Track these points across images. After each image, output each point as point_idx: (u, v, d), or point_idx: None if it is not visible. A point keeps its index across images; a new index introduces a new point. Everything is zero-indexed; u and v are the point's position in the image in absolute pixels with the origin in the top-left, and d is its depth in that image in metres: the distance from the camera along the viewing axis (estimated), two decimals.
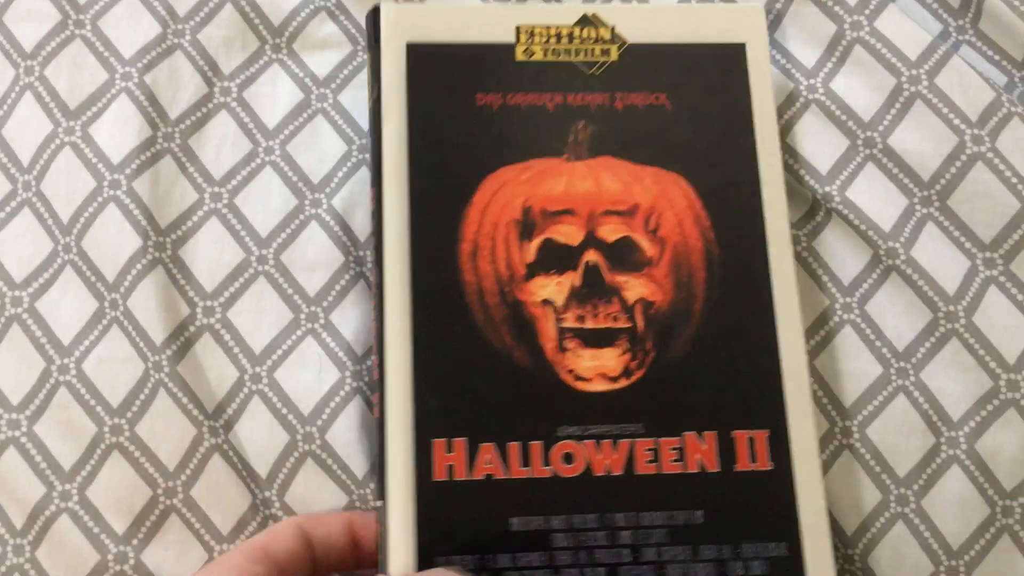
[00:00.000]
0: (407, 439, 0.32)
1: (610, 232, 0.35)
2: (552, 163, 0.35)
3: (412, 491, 0.32)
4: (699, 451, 0.33)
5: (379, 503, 0.32)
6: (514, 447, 0.33)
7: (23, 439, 0.37)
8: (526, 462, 0.32)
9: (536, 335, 0.34)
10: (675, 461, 0.33)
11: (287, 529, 0.33)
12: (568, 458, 0.33)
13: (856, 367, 0.37)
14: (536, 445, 0.33)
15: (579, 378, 0.33)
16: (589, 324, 0.34)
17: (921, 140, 0.38)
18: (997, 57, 0.39)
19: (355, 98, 0.40)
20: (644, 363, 0.34)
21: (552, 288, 0.34)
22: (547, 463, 0.33)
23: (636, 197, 0.35)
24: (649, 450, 0.33)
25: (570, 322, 0.34)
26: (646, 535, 0.32)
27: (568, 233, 0.35)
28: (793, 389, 0.34)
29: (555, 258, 0.34)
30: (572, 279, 0.34)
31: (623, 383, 0.34)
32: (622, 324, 0.34)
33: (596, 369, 0.34)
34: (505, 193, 0.35)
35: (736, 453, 0.33)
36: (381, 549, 0.32)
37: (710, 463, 0.33)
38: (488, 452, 0.32)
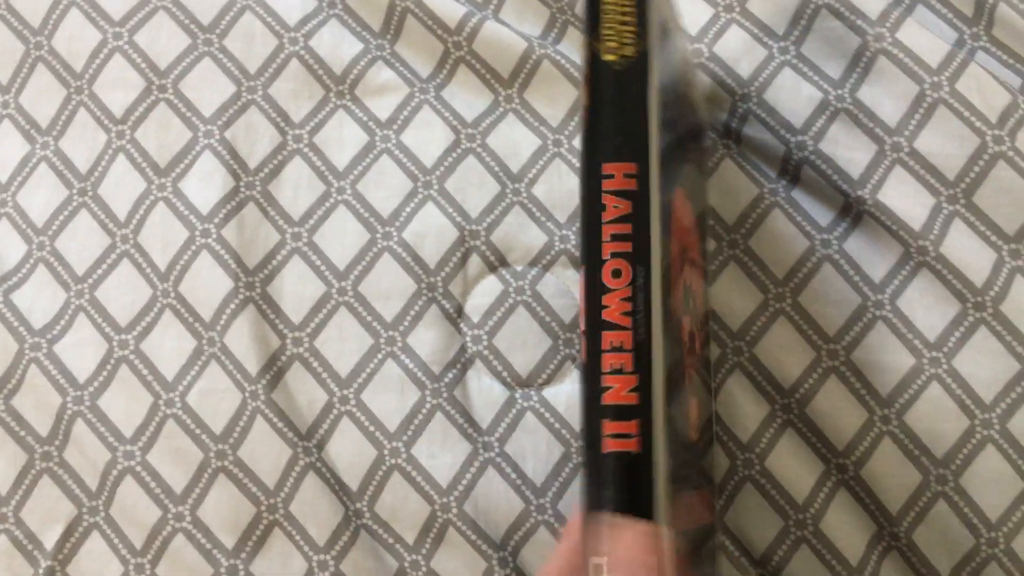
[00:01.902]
0: None
1: None
2: None
3: None
4: None
5: None
6: None
7: (138, 468, 0.41)
8: None
9: None
10: None
11: None
12: None
13: (891, 359, 0.39)
14: None
15: None
16: None
17: (945, 142, 0.40)
18: (1011, 61, 0.42)
19: (416, 137, 0.43)
20: None
21: None
22: None
23: None
24: None
25: None
26: None
27: None
28: None
29: None
30: None
31: None
32: None
33: None
34: None
35: None
36: None
37: None
38: None
